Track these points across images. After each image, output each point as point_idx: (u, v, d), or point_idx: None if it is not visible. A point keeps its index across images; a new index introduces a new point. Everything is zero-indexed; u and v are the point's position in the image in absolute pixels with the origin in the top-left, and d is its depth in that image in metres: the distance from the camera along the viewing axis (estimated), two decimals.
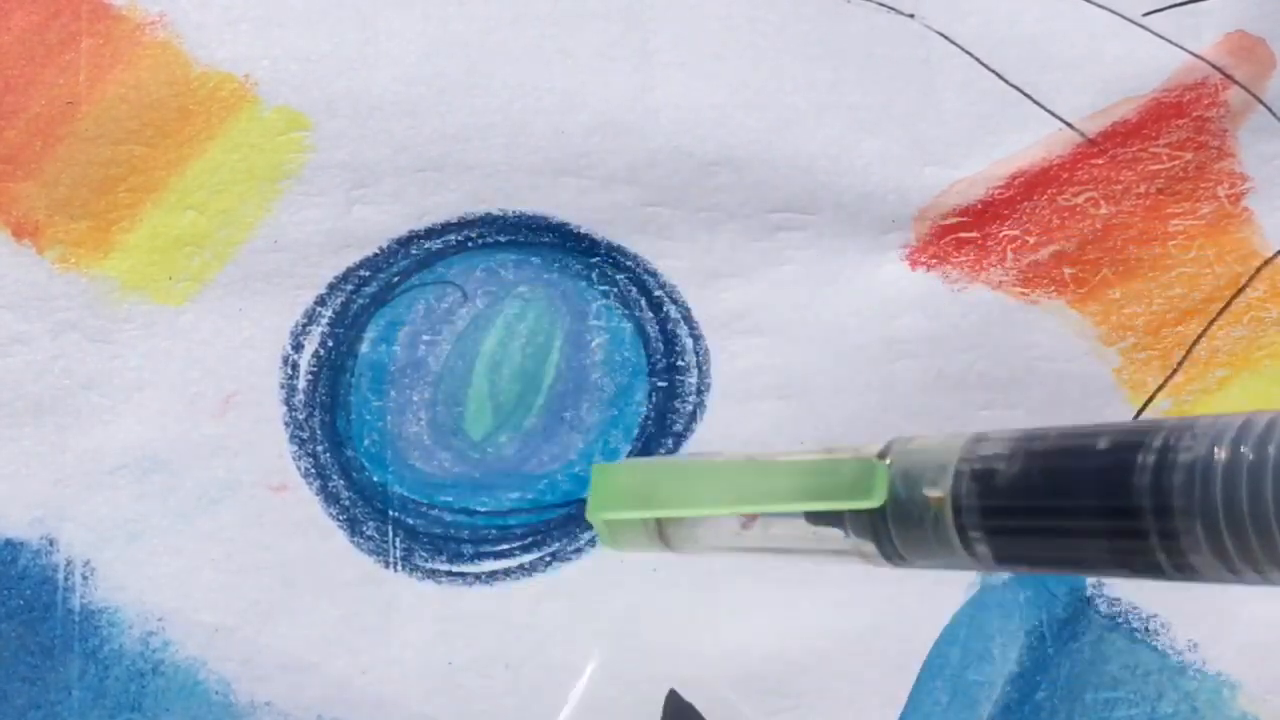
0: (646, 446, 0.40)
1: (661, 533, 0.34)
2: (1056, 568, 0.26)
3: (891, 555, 0.29)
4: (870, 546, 0.29)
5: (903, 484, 0.28)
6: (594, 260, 0.41)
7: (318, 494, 0.38)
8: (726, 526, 0.33)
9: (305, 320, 0.39)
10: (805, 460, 0.30)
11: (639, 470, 0.34)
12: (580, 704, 0.37)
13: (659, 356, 0.40)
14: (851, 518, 0.29)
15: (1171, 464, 0.23)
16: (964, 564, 0.27)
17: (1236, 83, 0.43)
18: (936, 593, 0.40)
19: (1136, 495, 0.23)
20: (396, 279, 0.40)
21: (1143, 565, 0.24)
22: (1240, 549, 0.22)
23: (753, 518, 0.32)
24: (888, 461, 0.28)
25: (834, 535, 0.30)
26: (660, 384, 0.40)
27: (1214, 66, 0.43)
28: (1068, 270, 0.42)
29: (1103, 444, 0.24)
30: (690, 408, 0.40)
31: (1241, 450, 0.22)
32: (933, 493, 0.27)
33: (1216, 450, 0.22)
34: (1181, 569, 0.23)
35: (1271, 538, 0.21)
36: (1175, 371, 0.42)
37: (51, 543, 0.37)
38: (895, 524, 0.28)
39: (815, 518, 0.30)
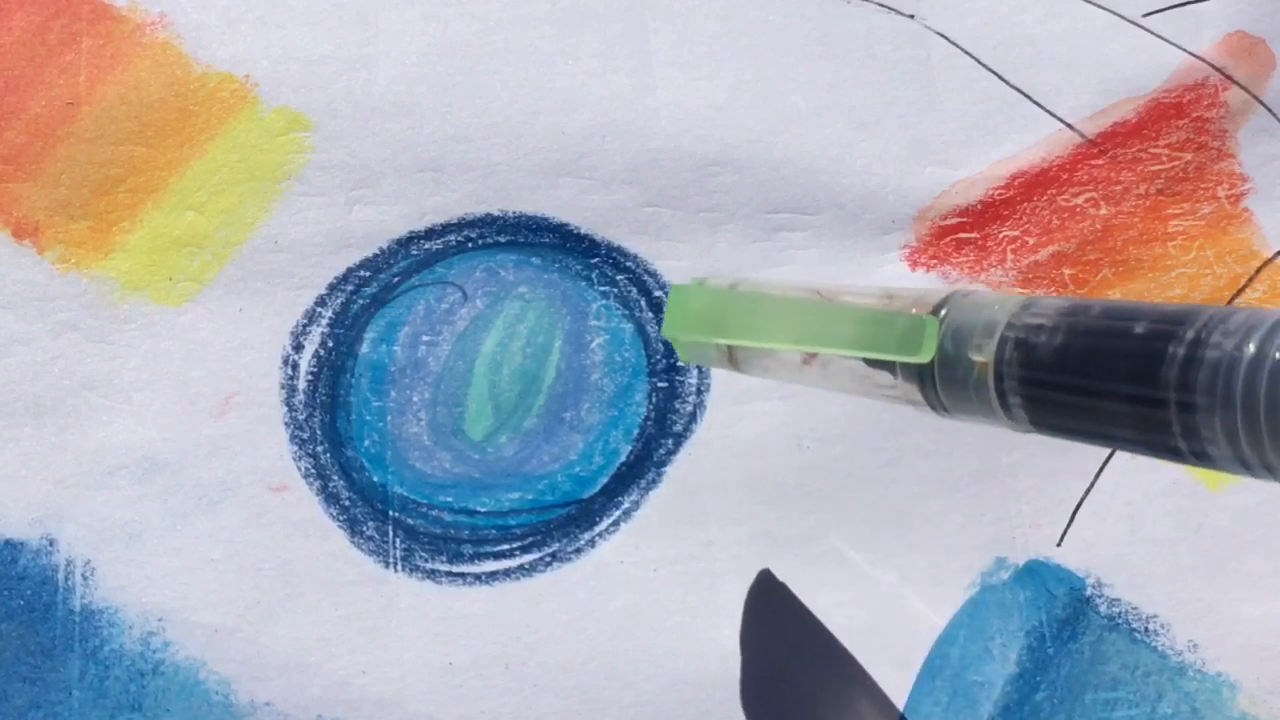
0: (646, 447, 0.40)
1: (731, 355, 0.35)
2: (1087, 439, 0.27)
3: (936, 406, 0.30)
4: (917, 394, 0.30)
5: (951, 342, 0.29)
6: (594, 261, 0.41)
7: (318, 494, 0.38)
8: (789, 358, 0.34)
9: (305, 321, 0.39)
10: (863, 309, 0.31)
11: (712, 296, 0.35)
12: None
13: (659, 357, 0.40)
14: (904, 375, 0.30)
15: (1199, 358, 0.23)
16: (1002, 422, 0.28)
17: (1236, 83, 0.43)
18: (936, 593, 0.40)
19: (1162, 386, 0.24)
20: (396, 279, 0.40)
21: (1164, 449, 0.24)
22: (1253, 445, 0.23)
23: (813, 355, 0.33)
24: (942, 314, 0.29)
25: (886, 378, 0.31)
26: (660, 384, 0.40)
27: (1214, 67, 0.43)
28: (1067, 271, 0.42)
29: (1139, 329, 0.25)
30: (690, 408, 0.40)
31: (1267, 349, 0.22)
32: (977, 357, 0.28)
33: (1244, 346, 0.23)
34: (1199, 456, 0.24)
35: None
36: None
37: (52, 543, 0.37)
38: (941, 379, 0.29)
39: (871, 361, 0.31)
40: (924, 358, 0.29)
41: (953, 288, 0.31)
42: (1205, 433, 0.23)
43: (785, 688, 0.39)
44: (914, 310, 0.30)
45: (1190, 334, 0.24)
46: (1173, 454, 0.24)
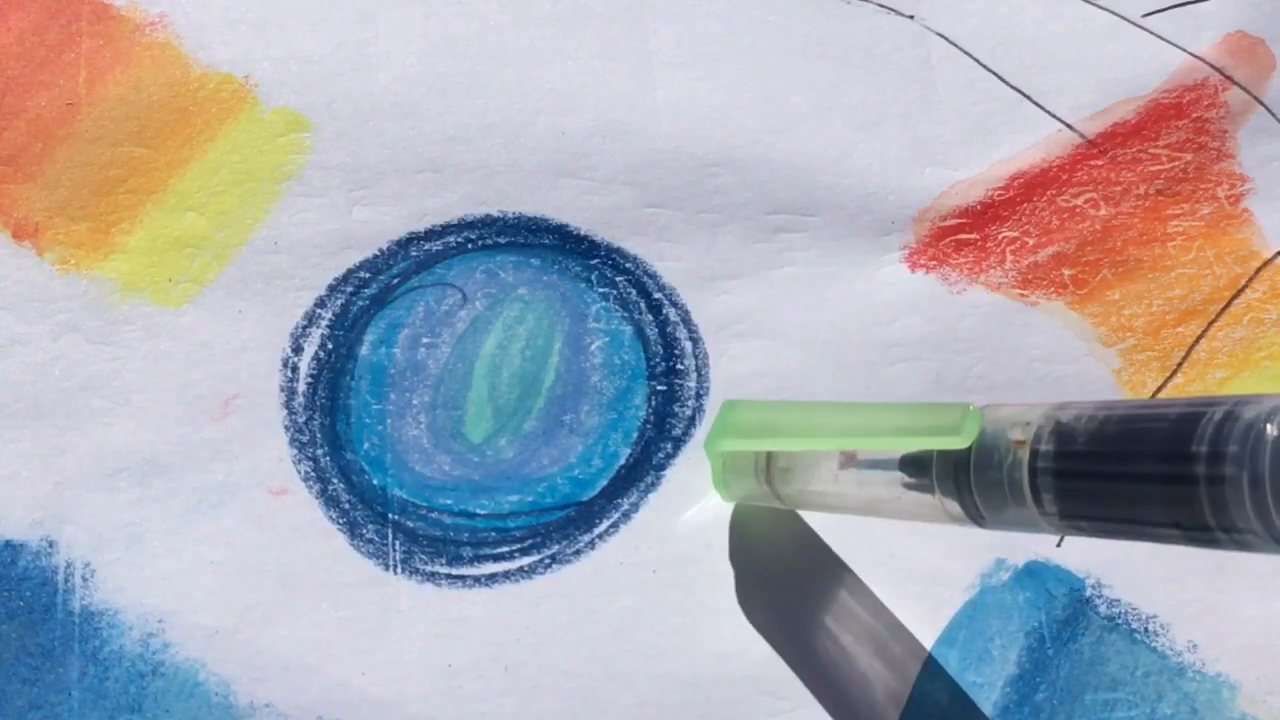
0: (646, 450, 0.40)
1: (769, 476, 0.36)
2: (1117, 526, 0.28)
3: (971, 511, 0.31)
4: (954, 504, 0.31)
5: (990, 430, 0.30)
6: (593, 262, 0.41)
7: (317, 497, 0.38)
8: (826, 468, 0.35)
9: (305, 322, 0.39)
10: (910, 406, 0.33)
11: (757, 407, 0.36)
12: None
13: (658, 359, 0.40)
14: (940, 472, 0.31)
15: (1228, 434, 0.24)
16: (1034, 521, 0.29)
17: (1236, 84, 0.43)
18: (936, 593, 0.40)
19: (1193, 461, 0.25)
20: (396, 281, 0.40)
21: (1194, 527, 0.25)
22: None
23: (851, 457, 0.34)
24: (983, 405, 0.31)
25: (925, 499, 0.32)
26: (660, 387, 0.40)
27: (1214, 67, 0.43)
28: (1067, 272, 0.42)
29: (1173, 413, 0.26)
30: (689, 411, 0.40)
31: None
32: (1016, 435, 0.29)
33: (1270, 426, 0.24)
34: (1228, 530, 0.25)
35: None
36: (1175, 372, 0.42)
37: (51, 545, 0.37)
38: (976, 471, 0.30)
39: (909, 468, 0.32)
40: (965, 440, 0.30)
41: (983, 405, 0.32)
42: (1234, 509, 0.24)
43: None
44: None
45: (1219, 414, 0.25)
46: (1203, 532, 0.25)
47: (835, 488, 0.35)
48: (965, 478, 0.30)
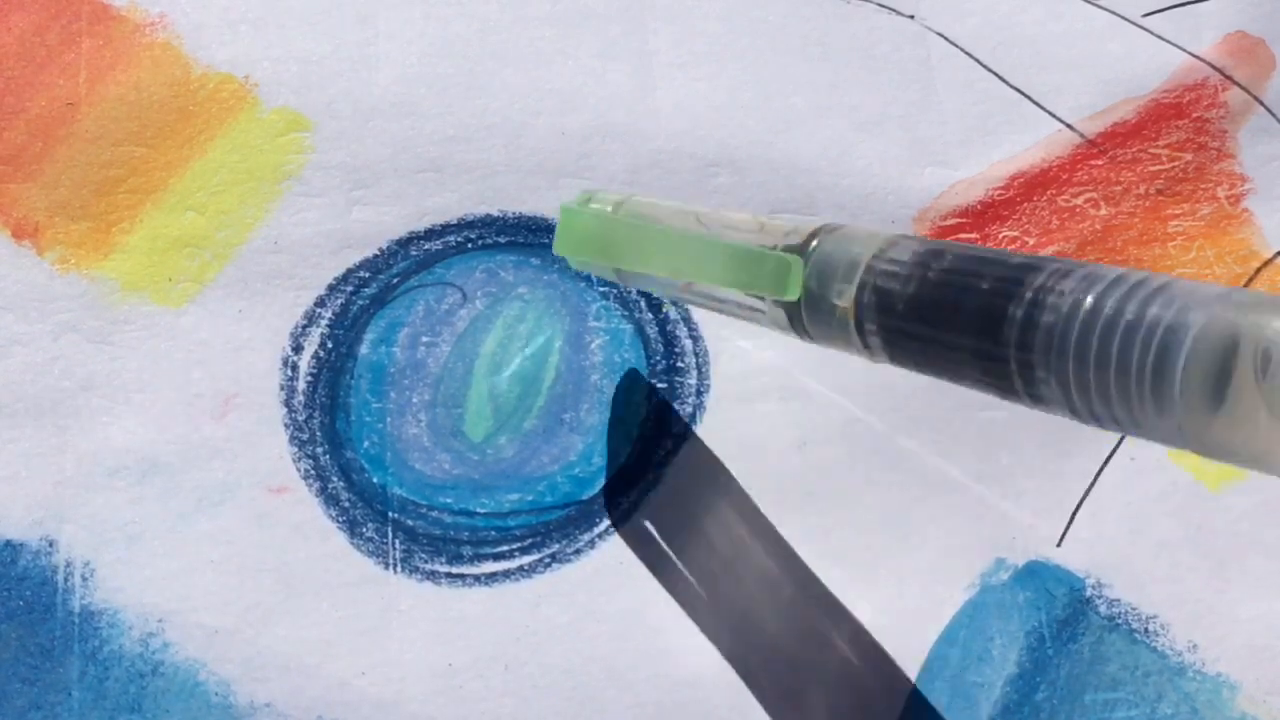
0: (646, 448, 0.40)
1: (617, 271, 0.37)
2: (941, 377, 0.29)
3: (802, 334, 0.32)
4: (785, 321, 0.32)
5: (816, 283, 0.31)
6: None
7: (317, 496, 0.38)
8: (669, 280, 0.35)
9: (305, 322, 0.39)
10: (735, 246, 0.33)
11: (598, 221, 0.36)
12: None
13: (658, 358, 0.40)
14: (773, 304, 0.32)
15: (1039, 310, 0.25)
16: (864, 357, 0.30)
17: (1236, 84, 0.43)
18: (936, 593, 0.40)
19: (1003, 343, 0.26)
20: (396, 280, 0.40)
21: (1010, 394, 0.26)
22: (1083, 396, 0.24)
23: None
24: (811, 248, 0.31)
25: (757, 304, 0.33)
26: (660, 385, 0.40)
27: (1214, 67, 0.43)
28: None
29: (985, 284, 0.27)
30: (689, 409, 0.40)
31: (1103, 302, 0.24)
32: (838, 301, 0.30)
33: (1086, 300, 0.24)
34: (1036, 399, 0.26)
35: (1107, 389, 0.24)
36: None
37: (51, 544, 0.37)
38: (807, 312, 0.31)
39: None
40: (790, 297, 0.31)
41: (820, 223, 0.32)
42: (1040, 377, 0.25)
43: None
44: (784, 242, 0.32)
45: (1030, 293, 0.25)
46: (1014, 396, 0.26)
47: (679, 294, 0.36)
48: (797, 313, 0.31)
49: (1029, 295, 0.25)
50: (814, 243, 0.31)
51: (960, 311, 0.27)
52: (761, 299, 0.32)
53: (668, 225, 0.35)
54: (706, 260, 0.33)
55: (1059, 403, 0.25)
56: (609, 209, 0.36)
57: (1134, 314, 0.23)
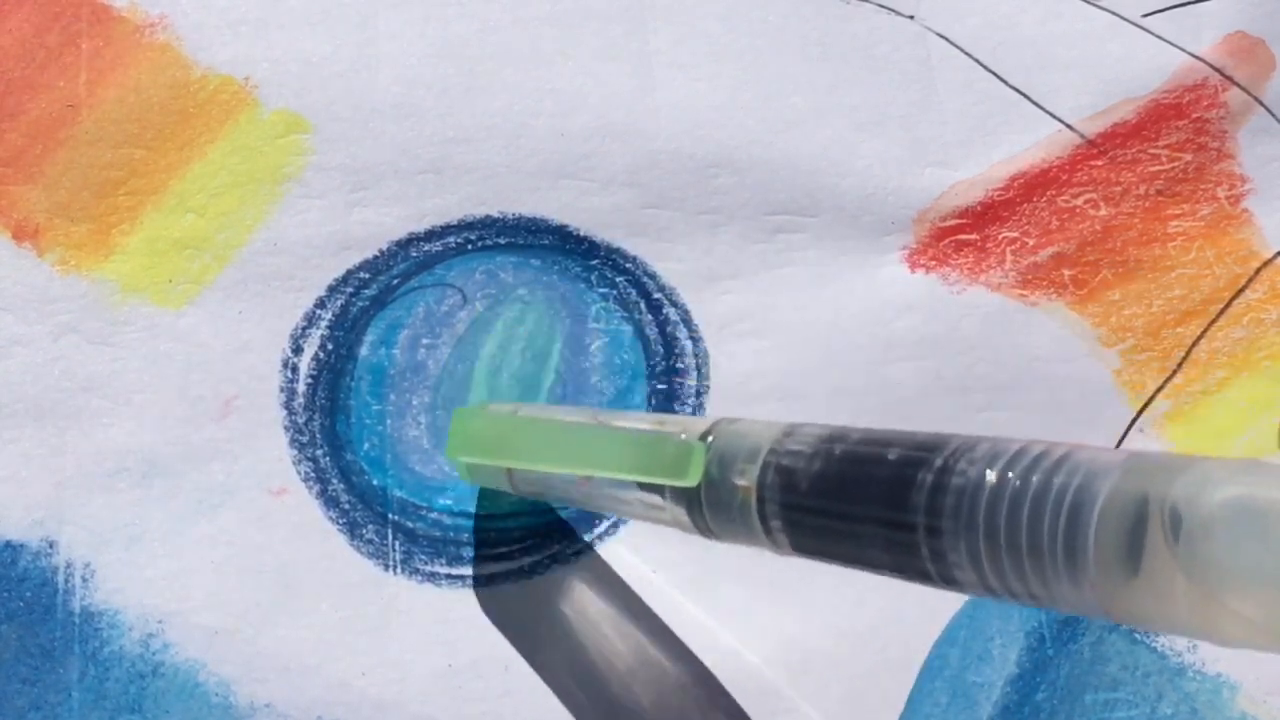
0: None
1: (510, 476, 0.36)
2: (846, 564, 0.28)
3: (703, 529, 0.31)
4: (685, 517, 0.31)
5: (717, 468, 0.30)
6: (593, 263, 0.41)
7: (317, 497, 0.38)
8: (567, 479, 0.35)
9: (305, 323, 0.39)
10: (634, 432, 0.32)
11: (492, 421, 0.36)
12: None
13: (658, 359, 0.40)
14: (673, 495, 0.31)
15: (945, 484, 0.24)
16: (767, 546, 0.29)
17: (1236, 84, 0.43)
18: (936, 593, 0.40)
19: (911, 512, 0.25)
20: (396, 281, 0.40)
21: (916, 574, 0.25)
22: (995, 571, 0.24)
23: (588, 478, 0.34)
24: (710, 439, 0.30)
25: (656, 500, 0.32)
26: (659, 387, 0.40)
27: (1214, 67, 0.43)
28: (1067, 272, 0.42)
29: (892, 455, 0.26)
30: (690, 410, 0.40)
31: (1009, 476, 0.23)
32: (740, 481, 0.29)
33: (987, 474, 0.24)
34: (948, 581, 0.25)
35: (1020, 562, 0.23)
36: (1175, 373, 0.42)
37: (51, 545, 0.37)
38: (708, 503, 0.30)
39: (643, 485, 0.32)
40: (691, 481, 0.30)
41: (717, 417, 0.31)
42: (951, 558, 0.24)
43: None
44: (683, 436, 0.31)
45: (939, 460, 0.25)
46: (923, 578, 0.25)
47: (574, 495, 0.35)
48: (697, 503, 0.30)
49: (939, 462, 0.25)
50: (713, 432, 0.31)
51: (867, 482, 0.26)
52: (662, 494, 0.31)
53: (564, 419, 0.35)
54: (606, 450, 0.33)
55: (971, 582, 0.24)
56: (505, 413, 0.36)
57: (1040, 485, 0.23)
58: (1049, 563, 0.23)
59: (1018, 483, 0.23)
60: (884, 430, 0.27)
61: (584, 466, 0.33)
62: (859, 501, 0.26)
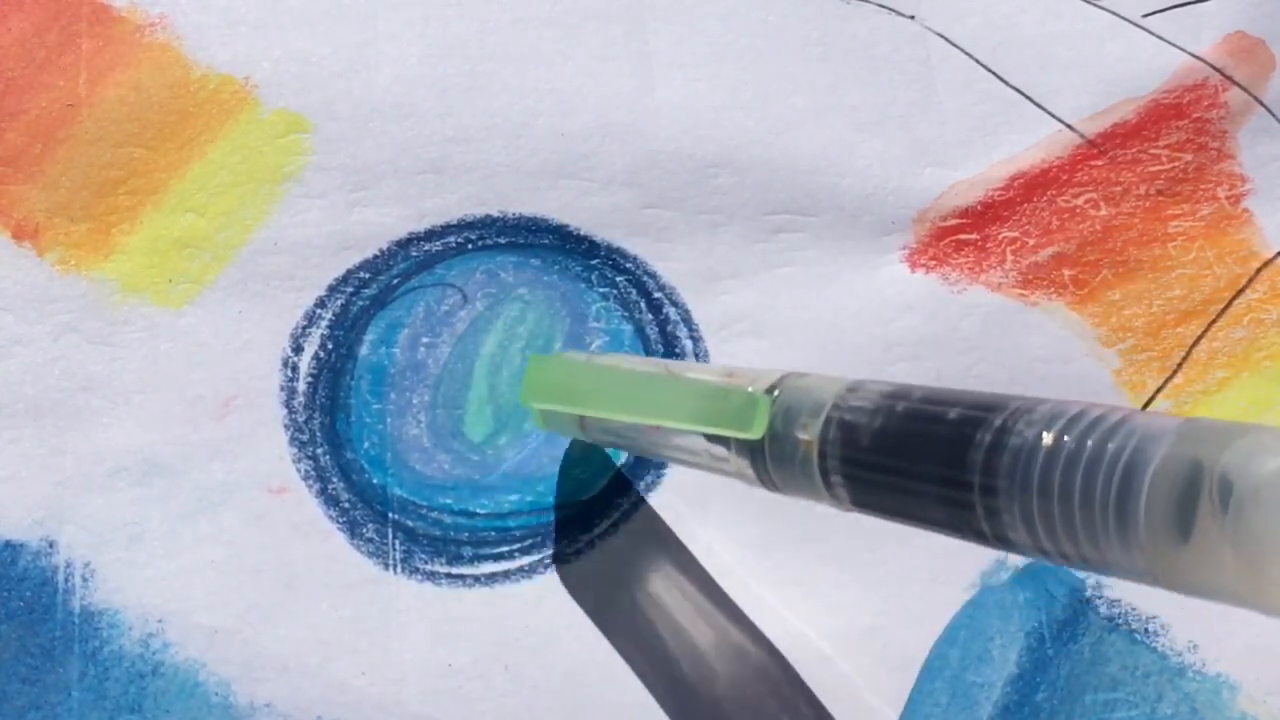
0: None
1: (582, 423, 0.36)
2: (904, 520, 0.28)
3: (766, 482, 0.31)
4: (749, 470, 0.32)
5: (782, 421, 0.30)
6: (594, 262, 0.41)
7: (317, 496, 0.38)
8: (636, 428, 0.35)
9: (305, 323, 0.39)
10: (701, 385, 0.33)
11: (567, 368, 0.37)
12: None
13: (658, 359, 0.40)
14: (737, 448, 0.32)
15: (1003, 445, 0.25)
16: (827, 500, 0.30)
17: (1236, 84, 0.43)
18: (936, 593, 0.40)
19: (968, 470, 0.25)
20: (396, 281, 0.40)
21: (971, 533, 0.26)
22: (1048, 532, 0.24)
23: (656, 427, 0.34)
24: (775, 393, 0.31)
25: (721, 452, 0.32)
26: None
27: (1214, 67, 0.43)
28: (1067, 272, 0.42)
29: (952, 414, 0.26)
30: None
31: (1065, 439, 0.24)
32: (803, 436, 0.30)
33: (1044, 435, 0.24)
34: (1002, 540, 0.25)
35: (1073, 525, 0.23)
36: (1175, 373, 0.42)
37: (51, 545, 0.37)
38: (771, 457, 0.31)
39: (712, 439, 0.33)
40: (755, 434, 0.31)
41: (786, 371, 0.32)
42: (1005, 518, 0.25)
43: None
44: (750, 388, 0.31)
45: (998, 420, 0.25)
46: (978, 537, 0.26)
47: (647, 442, 0.36)
48: (761, 456, 0.31)
49: (997, 422, 0.25)
50: (779, 386, 0.31)
51: (926, 440, 0.27)
52: (727, 446, 0.32)
53: (636, 369, 0.36)
54: (674, 401, 0.33)
55: (1024, 543, 0.25)
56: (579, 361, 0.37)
57: (1095, 449, 0.23)
58: (1100, 526, 0.23)
59: (1073, 445, 0.23)
60: (946, 389, 0.28)
61: (652, 416, 0.34)
62: (918, 459, 0.27)
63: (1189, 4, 0.44)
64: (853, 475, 0.29)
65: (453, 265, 0.40)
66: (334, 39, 0.41)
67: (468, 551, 0.39)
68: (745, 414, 0.31)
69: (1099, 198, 0.42)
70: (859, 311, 0.41)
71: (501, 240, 0.41)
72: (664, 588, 0.39)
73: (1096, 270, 0.42)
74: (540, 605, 0.39)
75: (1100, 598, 0.40)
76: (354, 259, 0.40)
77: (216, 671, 0.37)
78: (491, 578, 0.39)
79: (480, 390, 0.40)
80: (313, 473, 0.39)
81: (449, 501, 0.39)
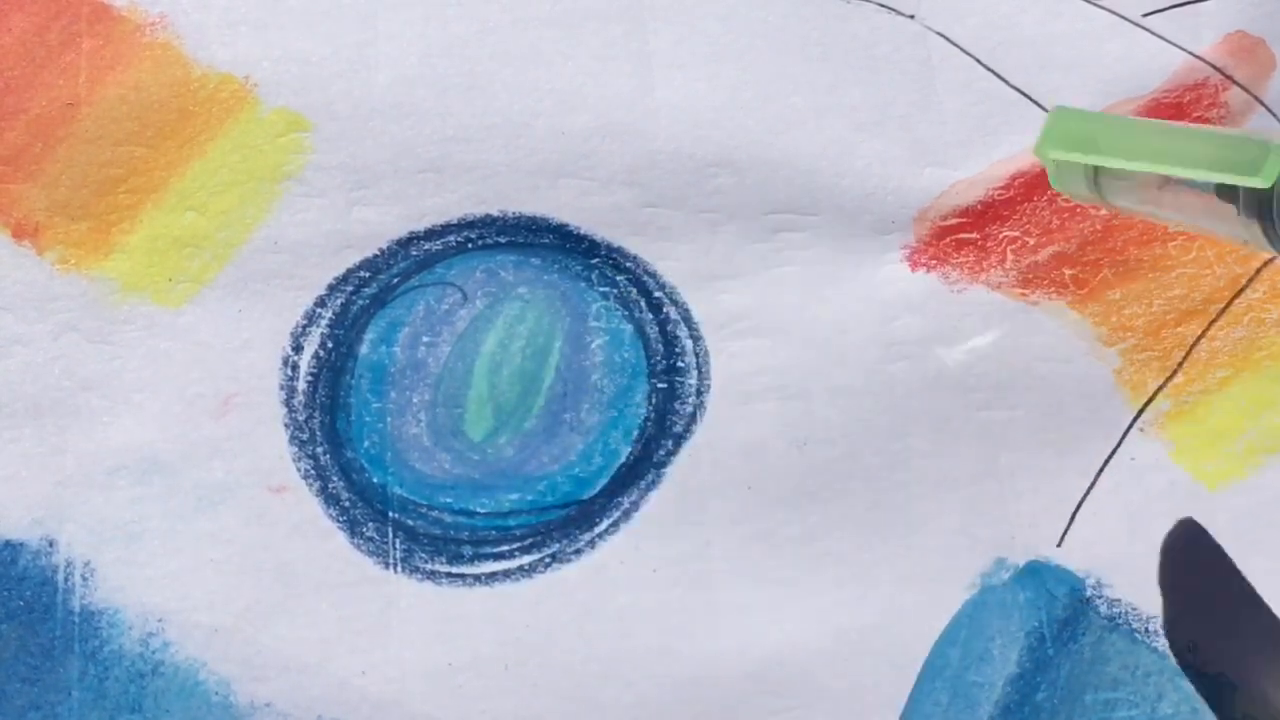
0: (646, 448, 0.40)
1: (1096, 179, 0.37)
2: None
3: (1273, 238, 0.32)
4: (1255, 227, 0.32)
5: None
6: (594, 261, 0.41)
7: (317, 495, 0.38)
8: (1149, 182, 0.35)
9: (305, 321, 0.39)
10: (1217, 132, 0.34)
11: (1084, 119, 0.37)
12: None
13: (659, 358, 0.40)
14: (1246, 196, 0.32)
15: None
16: None
17: (1236, 83, 0.43)
18: (936, 593, 0.40)
19: None
20: (396, 280, 0.40)
21: None
22: None
23: (1168, 179, 0.35)
24: None
25: (1230, 211, 0.33)
26: (660, 385, 0.40)
27: (1214, 67, 0.43)
28: (1068, 271, 0.42)
29: None
30: (690, 409, 0.40)
31: None
32: None
33: None
34: None
35: None
36: (1175, 372, 0.42)
37: (51, 544, 0.37)
38: (1279, 207, 0.31)
39: (1221, 191, 0.33)
40: (1264, 183, 0.31)
41: None
42: None
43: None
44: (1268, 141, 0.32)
45: None
46: None
47: (1155, 200, 0.36)
48: (1269, 215, 0.32)
49: None
50: None
51: None
52: (1236, 205, 0.33)
53: (1151, 121, 0.36)
54: (1187, 147, 0.34)
55: None
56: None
57: None
58: None
59: None
60: None
61: (1166, 163, 0.34)
62: None
63: (1189, 4, 0.44)
64: None
65: (453, 264, 0.40)
66: (334, 39, 0.41)
67: (468, 550, 0.39)
68: (1256, 161, 0.31)
69: None
70: (859, 310, 0.41)
71: (501, 239, 0.41)
72: (664, 587, 0.39)
73: (1097, 269, 0.42)
74: (540, 604, 0.39)
75: (1100, 598, 0.40)
76: (354, 258, 0.40)
77: (216, 670, 0.37)
78: (491, 577, 0.39)
79: (480, 389, 0.40)
80: (313, 471, 0.39)
81: (449, 500, 0.39)
